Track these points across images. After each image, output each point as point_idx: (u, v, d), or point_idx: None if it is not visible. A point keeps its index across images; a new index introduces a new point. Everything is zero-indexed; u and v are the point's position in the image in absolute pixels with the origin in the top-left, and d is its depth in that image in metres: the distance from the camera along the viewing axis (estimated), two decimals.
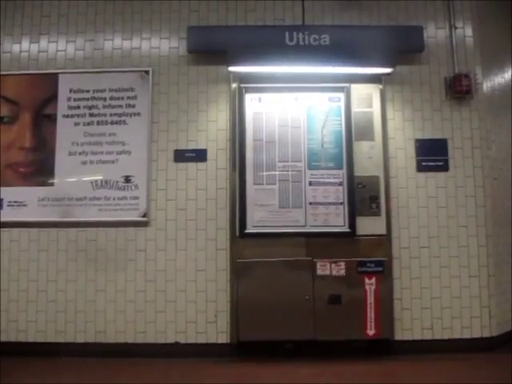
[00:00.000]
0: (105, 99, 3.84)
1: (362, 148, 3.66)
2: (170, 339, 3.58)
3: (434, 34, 3.94)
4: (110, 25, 3.95)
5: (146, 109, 3.82)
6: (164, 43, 3.93)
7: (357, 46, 3.74)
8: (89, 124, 3.82)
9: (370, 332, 3.44)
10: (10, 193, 3.77)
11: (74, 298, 3.64)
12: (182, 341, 3.58)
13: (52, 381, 2.99)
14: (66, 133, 3.80)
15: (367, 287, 3.49)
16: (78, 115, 3.83)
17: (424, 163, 3.77)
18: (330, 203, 3.62)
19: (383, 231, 3.57)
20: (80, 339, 3.59)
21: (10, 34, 3.95)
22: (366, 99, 3.73)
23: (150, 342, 3.58)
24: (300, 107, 3.74)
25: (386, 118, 3.74)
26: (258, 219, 3.59)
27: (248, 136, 3.67)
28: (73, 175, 3.77)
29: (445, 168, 3.76)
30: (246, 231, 3.55)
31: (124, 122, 3.81)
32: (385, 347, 3.50)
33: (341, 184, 3.64)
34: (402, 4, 3.97)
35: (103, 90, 3.85)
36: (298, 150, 3.67)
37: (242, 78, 3.72)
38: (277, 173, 3.65)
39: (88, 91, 3.85)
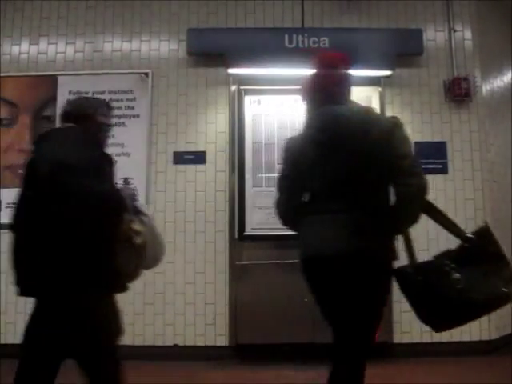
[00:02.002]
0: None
1: None
2: (169, 342, 3.57)
3: (434, 36, 3.95)
4: (109, 27, 3.96)
5: (145, 111, 3.82)
6: (163, 45, 3.93)
7: (356, 48, 3.73)
8: None
9: None
10: (9, 195, 3.74)
11: None
12: (181, 343, 3.57)
13: None
14: None
15: None
16: None
17: (423, 166, 3.75)
18: None
19: None
20: None
21: (9, 35, 3.96)
22: (366, 102, 3.72)
23: (149, 345, 3.57)
24: (299, 109, 3.73)
25: None
26: (257, 222, 3.58)
27: (247, 138, 3.67)
28: None
29: (444, 171, 3.76)
30: (245, 234, 3.54)
31: (123, 124, 3.81)
32: (383, 350, 3.48)
33: None
34: (401, 7, 3.97)
35: (102, 92, 3.84)
36: None
37: (242, 81, 3.72)
38: (276, 175, 3.64)
39: (87, 93, 3.84)
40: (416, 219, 1.71)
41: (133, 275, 1.97)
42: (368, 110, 1.77)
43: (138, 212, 1.85)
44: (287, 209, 1.85)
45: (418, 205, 1.67)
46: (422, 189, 1.64)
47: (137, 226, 1.80)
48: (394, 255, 1.73)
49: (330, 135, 1.67)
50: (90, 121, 1.85)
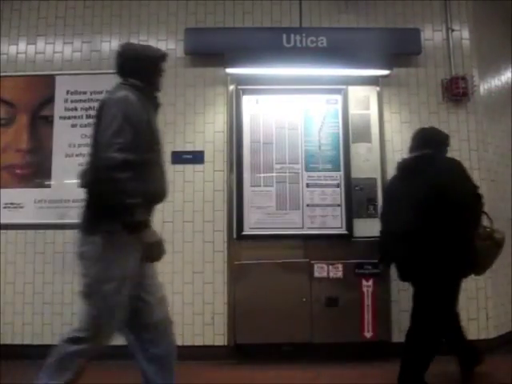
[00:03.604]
0: None
1: (359, 150, 3.67)
2: None
3: (431, 36, 3.95)
4: (107, 27, 3.95)
5: None
6: (161, 45, 3.90)
7: (354, 48, 3.75)
8: (86, 126, 3.80)
9: (368, 334, 3.44)
10: (7, 195, 3.75)
11: (70, 300, 3.62)
12: (179, 343, 3.56)
13: None
14: (63, 134, 3.80)
15: (364, 289, 3.49)
16: (75, 117, 3.82)
17: None
18: (328, 205, 3.62)
19: None
20: None
21: (6, 35, 3.95)
22: (363, 101, 3.74)
23: None
24: (297, 109, 3.74)
25: (383, 121, 3.75)
26: (255, 221, 3.58)
27: (245, 138, 3.67)
28: (70, 177, 3.74)
29: None
30: (243, 233, 3.54)
31: None
32: (382, 349, 3.49)
33: (338, 186, 3.64)
34: (399, 6, 3.98)
35: (100, 92, 3.84)
36: (296, 152, 3.67)
37: (240, 80, 3.72)
38: (274, 175, 3.65)
39: (85, 93, 3.85)
40: None
41: (488, 266, 2.67)
42: None
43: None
44: None
45: None
46: None
47: (492, 226, 2.49)
48: None
49: None
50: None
